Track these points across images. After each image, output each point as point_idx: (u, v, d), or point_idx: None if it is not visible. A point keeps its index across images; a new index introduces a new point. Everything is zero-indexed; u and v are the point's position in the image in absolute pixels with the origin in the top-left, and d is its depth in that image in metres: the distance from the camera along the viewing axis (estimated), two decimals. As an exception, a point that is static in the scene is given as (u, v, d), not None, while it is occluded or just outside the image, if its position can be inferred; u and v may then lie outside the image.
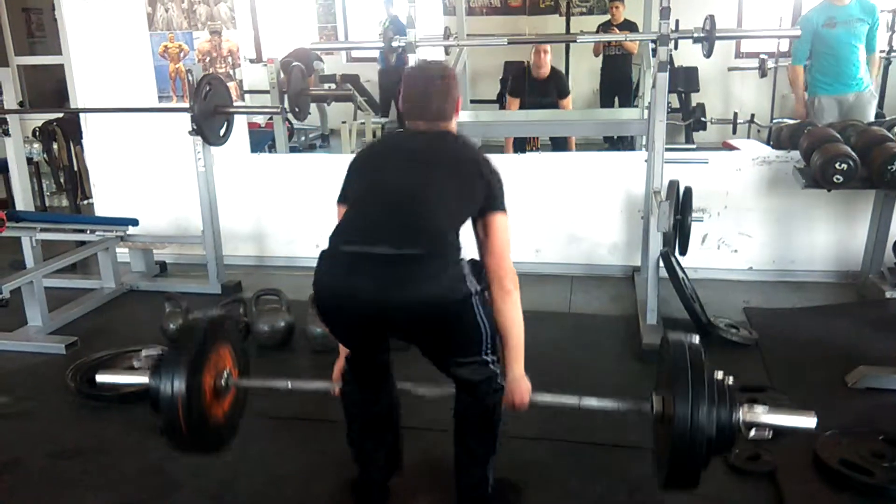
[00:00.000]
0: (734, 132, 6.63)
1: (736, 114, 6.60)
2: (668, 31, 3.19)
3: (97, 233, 4.12)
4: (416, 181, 1.92)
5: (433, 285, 1.79)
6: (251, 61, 7.23)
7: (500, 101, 7.19)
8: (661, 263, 3.31)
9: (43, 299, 3.56)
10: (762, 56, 6.68)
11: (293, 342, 3.37)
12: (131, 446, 2.47)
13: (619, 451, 2.34)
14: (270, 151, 5.77)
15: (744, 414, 1.87)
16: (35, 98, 6.82)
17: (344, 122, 6.89)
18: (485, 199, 1.96)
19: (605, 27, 6.71)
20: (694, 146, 6.70)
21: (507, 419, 2.03)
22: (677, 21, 3.40)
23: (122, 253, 4.36)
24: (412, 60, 3.64)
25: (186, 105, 3.87)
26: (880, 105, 5.49)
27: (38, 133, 5.12)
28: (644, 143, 4.09)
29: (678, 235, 3.34)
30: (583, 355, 3.20)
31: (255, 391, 2.48)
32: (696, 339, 1.98)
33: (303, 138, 7.38)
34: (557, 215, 4.21)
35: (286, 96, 4.94)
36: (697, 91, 7.24)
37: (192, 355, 2.05)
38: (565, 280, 4.18)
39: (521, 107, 5.89)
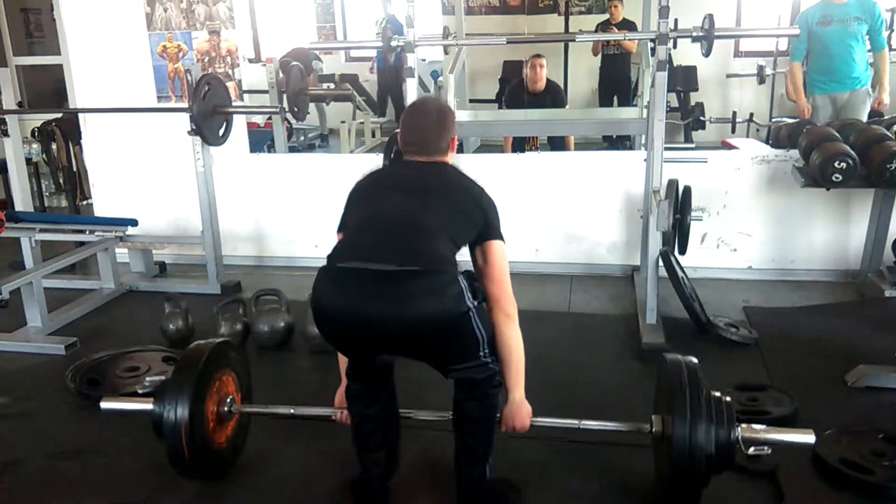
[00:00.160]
0: (733, 131, 6.64)
1: (735, 113, 6.62)
2: (666, 30, 3.19)
3: (96, 233, 4.12)
4: (413, 209, 1.95)
5: (433, 302, 1.81)
6: (250, 61, 7.22)
7: (499, 101, 7.20)
8: (661, 263, 3.31)
9: (42, 300, 3.55)
10: (760, 63, 6.68)
11: (292, 342, 3.37)
12: (130, 447, 2.47)
13: (618, 451, 2.34)
14: (269, 151, 5.77)
15: (742, 432, 1.89)
16: (34, 98, 6.81)
17: (343, 122, 6.89)
18: (482, 227, 2.00)
19: (603, 26, 6.71)
20: (693, 145, 6.71)
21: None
22: (676, 20, 3.41)
23: (122, 253, 4.36)
24: (411, 60, 3.64)
25: (185, 105, 3.87)
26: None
27: (36, 133, 5.11)
28: (643, 142, 4.09)
29: (677, 235, 3.34)
30: (582, 355, 3.20)
31: (256, 386, 2.50)
32: (694, 359, 2.01)
33: (302, 138, 7.38)
34: (557, 215, 4.21)
35: (285, 96, 4.95)
36: (696, 90, 7.25)
37: (194, 382, 2.07)
38: (565, 279, 4.18)
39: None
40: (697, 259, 3.98)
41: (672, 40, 3.24)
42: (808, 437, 1.91)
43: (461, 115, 5.32)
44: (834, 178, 3.29)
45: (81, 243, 4.19)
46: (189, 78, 3.81)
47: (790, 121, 4.89)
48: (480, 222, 2.00)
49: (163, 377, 2.25)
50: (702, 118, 6.84)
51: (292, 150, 6.46)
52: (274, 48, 7.44)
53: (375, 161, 4.15)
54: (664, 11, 3.18)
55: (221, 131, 3.99)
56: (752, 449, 1.87)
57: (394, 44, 3.60)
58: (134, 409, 2.21)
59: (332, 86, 7.54)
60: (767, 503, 2.13)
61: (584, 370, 3.04)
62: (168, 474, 2.17)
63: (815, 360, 3.01)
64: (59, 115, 5.14)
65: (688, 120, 6.86)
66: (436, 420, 2.20)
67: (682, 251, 3.40)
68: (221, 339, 2.31)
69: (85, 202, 5.14)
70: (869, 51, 4.54)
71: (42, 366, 3.23)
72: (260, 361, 3.19)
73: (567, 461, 2.35)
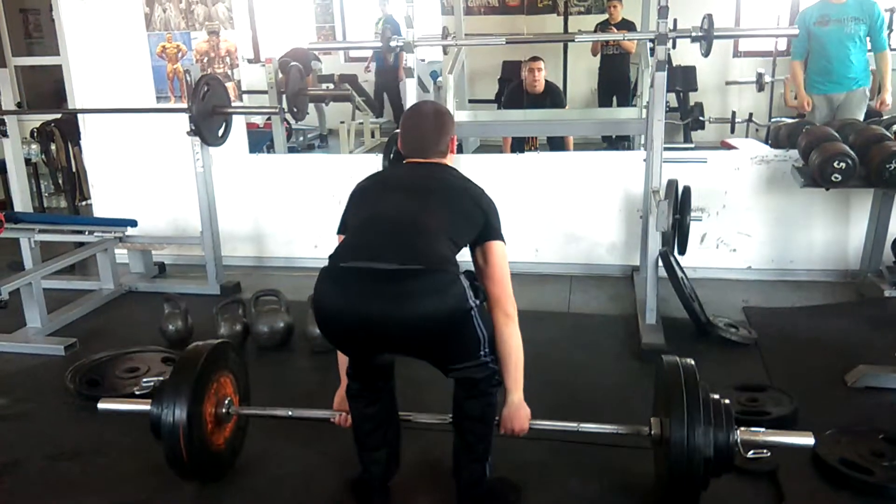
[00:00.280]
0: (732, 131, 6.64)
1: (734, 113, 6.62)
2: (666, 31, 3.19)
3: (96, 234, 4.12)
4: (414, 209, 1.96)
5: (435, 301, 1.81)
6: (249, 61, 7.22)
7: (499, 101, 7.20)
8: (660, 263, 3.31)
9: (42, 301, 3.55)
10: (759, 71, 6.68)
11: (292, 343, 3.37)
12: (130, 447, 2.47)
13: (618, 451, 2.34)
14: (269, 152, 5.77)
15: (741, 435, 1.89)
16: (33, 99, 6.80)
17: (342, 122, 6.89)
18: (482, 228, 2.01)
19: (603, 26, 6.71)
20: (692, 145, 6.71)
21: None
22: (675, 20, 3.41)
23: (121, 254, 4.35)
24: (411, 60, 3.64)
25: (185, 105, 3.87)
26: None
27: (36, 134, 5.11)
28: (642, 142, 4.09)
29: (677, 235, 3.34)
30: (582, 355, 3.20)
31: (255, 387, 2.50)
32: (691, 361, 2.01)
33: (301, 138, 7.38)
34: (556, 215, 4.21)
35: (284, 96, 4.95)
36: (696, 90, 7.25)
37: (192, 384, 2.08)
38: (564, 280, 4.18)
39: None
40: (697, 259, 3.98)
41: (671, 40, 3.24)
42: (808, 440, 1.91)
43: (460, 116, 5.33)
44: (833, 178, 3.29)
45: (81, 244, 4.19)
46: (188, 78, 3.81)
47: (789, 121, 4.89)
48: (480, 223, 2.00)
49: (160, 378, 2.26)
50: (701, 118, 6.84)
51: (291, 150, 6.46)
52: (273, 48, 7.44)
53: (375, 161, 4.16)
54: (663, 11, 3.18)
55: (221, 132, 3.99)
56: (751, 452, 1.87)
57: (393, 44, 3.60)
58: (132, 411, 2.21)
59: (331, 86, 7.54)
60: (767, 503, 2.13)
61: (584, 370, 3.04)
62: (167, 475, 2.17)
63: (815, 360, 3.01)
64: (59, 116, 5.14)
65: (687, 120, 6.86)
66: (436, 423, 2.20)
67: (682, 251, 3.41)
68: (220, 341, 2.31)
69: (84, 203, 5.14)
70: (870, 51, 4.51)
71: (41, 366, 3.23)
72: (259, 362, 3.19)
73: (567, 461, 2.35)
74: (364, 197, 2.09)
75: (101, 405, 2.25)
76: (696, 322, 3.30)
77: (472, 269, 2.03)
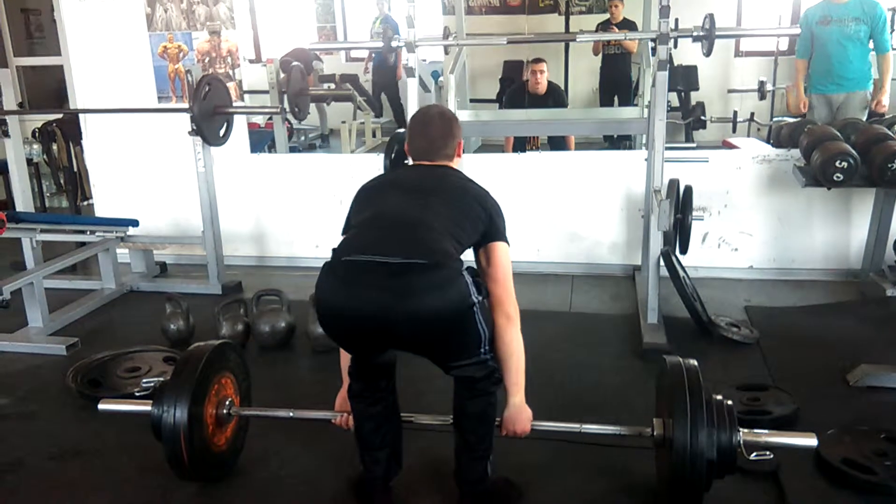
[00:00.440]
0: (734, 131, 6.63)
1: (736, 112, 6.61)
2: (667, 30, 3.19)
3: (97, 234, 4.12)
4: (418, 209, 1.96)
5: (438, 295, 1.80)
6: (250, 61, 7.23)
7: (500, 101, 7.19)
8: (662, 262, 3.31)
9: (43, 300, 3.55)
10: (761, 79, 6.67)
11: (294, 342, 3.37)
12: (132, 447, 2.47)
13: (618, 451, 2.34)
14: (270, 151, 5.77)
15: (744, 436, 1.88)
16: (34, 99, 6.81)
17: (343, 122, 6.89)
18: (486, 229, 2.01)
19: (604, 26, 6.71)
20: (694, 145, 6.70)
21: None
22: (676, 20, 3.41)
23: (123, 254, 4.36)
24: (412, 60, 3.63)
25: (186, 105, 3.87)
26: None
27: (37, 134, 5.12)
28: (644, 141, 4.09)
29: (679, 234, 3.34)
30: (583, 354, 3.20)
31: (257, 386, 2.50)
32: (694, 361, 2.00)
33: (302, 138, 7.38)
34: (558, 214, 4.21)
35: (286, 96, 4.94)
36: (697, 90, 7.24)
37: (193, 385, 2.08)
38: (566, 279, 4.18)
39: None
40: (698, 259, 3.98)
41: (672, 40, 3.23)
42: (811, 441, 1.91)
43: (462, 115, 5.31)
44: (835, 178, 3.28)
45: (82, 244, 4.20)
46: (189, 78, 3.81)
47: (791, 120, 4.87)
48: (484, 224, 2.00)
49: (160, 378, 2.26)
50: (703, 118, 6.83)
51: (293, 150, 6.47)
52: (274, 48, 7.44)
53: (376, 161, 4.15)
54: (665, 11, 3.18)
55: (222, 132, 3.99)
56: (753, 455, 1.87)
57: (394, 44, 3.60)
58: (132, 411, 2.21)
59: (332, 86, 7.54)
60: (769, 503, 2.12)
61: (585, 370, 3.04)
62: (169, 474, 2.17)
63: (817, 359, 3.00)
64: (60, 116, 5.15)
65: (689, 119, 6.85)
66: (437, 424, 2.20)
67: (684, 251, 3.40)
68: (220, 342, 2.31)
69: (86, 202, 5.14)
70: (873, 51, 4.47)
71: (43, 366, 3.23)
72: (261, 362, 3.19)
73: (568, 461, 2.34)
74: (368, 197, 2.10)
75: (101, 406, 2.25)
76: (698, 321, 3.30)
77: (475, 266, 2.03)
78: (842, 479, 2.15)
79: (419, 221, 1.92)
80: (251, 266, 4.62)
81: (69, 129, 5.02)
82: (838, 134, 3.51)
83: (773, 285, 3.97)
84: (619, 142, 6.67)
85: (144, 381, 2.29)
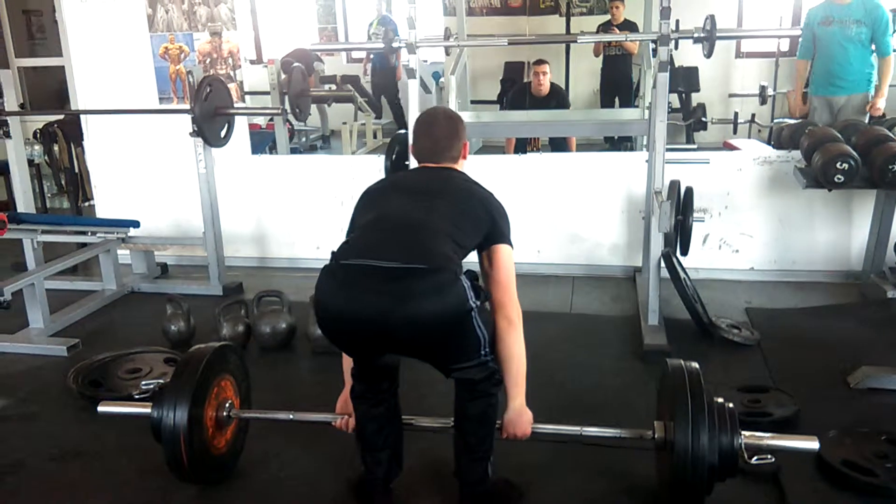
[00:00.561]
0: (735, 132, 6.62)
1: (736, 114, 6.60)
2: (668, 31, 3.19)
3: (98, 235, 4.12)
4: (419, 211, 1.96)
5: (436, 300, 1.80)
6: (252, 62, 7.23)
7: (501, 102, 7.19)
8: (663, 264, 3.31)
9: (44, 301, 3.56)
10: (763, 84, 6.67)
11: (294, 344, 3.37)
12: (132, 448, 2.47)
13: (619, 452, 2.34)
14: (271, 153, 5.77)
15: (745, 439, 1.88)
16: (36, 100, 6.82)
17: (344, 123, 6.89)
18: (489, 232, 2.01)
19: (605, 27, 6.70)
20: (695, 146, 6.68)
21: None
22: (677, 21, 3.40)
23: (124, 255, 4.36)
24: (413, 61, 3.63)
25: (187, 106, 3.88)
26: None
27: (38, 135, 5.12)
28: (645, 143, 4.09)
29: (679, 236, 3.34)
30: (584, 356, 3.20)
31: (257, 388, 2.50)
32: (695, 364, 2.00)
33: (303, 139, 7.38)
34: (559, 216, 4.21)
35: (287, 97, 4.95)
36: (698, 91, 7.24)
37: (193, 387, 2.08)
38: (566, 280, 4.18)
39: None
40: (699, 260, 3.97)
41: (673, 41, 3.23)
42: (812, 444, 1.90)
43: (463, 117, 5.32)
44: (836, 179, 3.28)
45: (83, 245, 4.20)
46: (191, 79, 3.81)
47: (792, 122, 4.86)
48: (487, 227, 2.00)
49: (160, 380, 2.26)
50: (703, 119, 6.82)
51: (294, 151, 6.47)
52: (275, 49, 7.44)
53: (377, 162, 4.16)
54: (665, 12, 3.17)
55: (223, 133, 4.00)
56: (754, 459, 1.86)
57: (396, 45, 3.60)
58: (132, 414, 2.21)
59: (333, 87, 7.54)
60: (770, 505, 2.13)
61: (586, 371, 3.04)
62: (169, 476, 2.17)
63: (818, 361, 3.00)
64: (61, 117, 5.15)
65: (689, 121, 6.84)
66: (438, 427, 2.20)
67: (684, 252, 3.40)
68: (220, 344, 2.31)
69: (87, 203, 5.14)
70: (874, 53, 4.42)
71: (44, 367, 3.23)
72: (262, 363, 3.20)
73: (569, 462, 2.35)
74: (372, 199, 2.10)
75: (100, 408, 2.25)
76: (699, 323, 3.30)
77: (476, 269, 2.03)
78: (842, 480, 2.15)
79: (420, 225, 1.92)
80: (252, 267, 4.62)
81: (70, 130, 5.02)
82: (839, 135, 3.51)
83: (774, 287, 3.97)
84: (619, 143, 6.67)
85: (144, 382, 2.30)
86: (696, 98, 7.19)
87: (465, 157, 2.18)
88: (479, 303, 1.89)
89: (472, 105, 7.02)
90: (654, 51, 3.33)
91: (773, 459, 1.90)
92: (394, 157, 3.97)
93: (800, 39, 4.71)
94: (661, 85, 3.26)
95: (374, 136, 7.40)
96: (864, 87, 4.45)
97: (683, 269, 3.45)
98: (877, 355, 2.95)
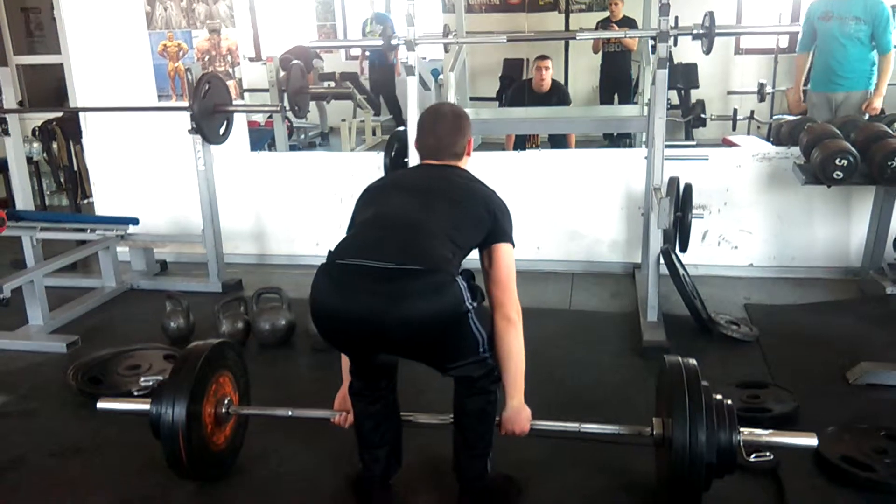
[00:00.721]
0: (734, 128, 6.63)
1: (736, 110, 6.60)
2: (667, 28, 3.19)
3: (97, 232, 4.12)
4: (418, 210, 1.95)
5: (432, 302, 1.80)
6: (250, 59, 7.22)
7: (500, 99, 7.19)
8: (662, 260, 3.31)
9: (44, 298, 3.56)
10: (761, 81, 6.66)
11: (294, 340, 3.37)
12: (132, 444, 2.47)
13: (617, 448, 2.34)
14: (270, 150, 5.77)
15: (745, 437, 1.88)
16: (34, 97, 6.81)
17: (343, 120, 6.89)
18: (490, 230, 1.99)
19: (604, 24, 6.70)
20: (694, 143, 6.70)
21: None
22: (676, 17, 3.40)
23: (123, 252, 4.36)
24: (412, 59, 3.63)
25: (186, 104, 3.87)
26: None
27: (37, 132, 5.11)
28: (644, 139, 4.08)
29: (678, 232, 3.34)
30: (583, 352, 3.20)
31: (256, 385, 2.50)
32: (694, 361, 2.00)
33: (302, 136, 7.39)
34: (558, 212, 4.21)
35: (285, 94, 4.94)
36: (697, 87, 7.24)
37: (192, 384, 2.08)
38: (566, 277, 4.18)
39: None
40: (698, 256, 3.98)
41: (672, 38, 3.23)
42: (811, 441, 1.91)
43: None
44: (835, 176, 3.29)
45: (82, 242, 4.20)
46: (189, 77, 3.81)
47: (791, 118, 4.85)
48: (488, 226, 1.99)
49: (159, 377, 2.26)
50: (703, 115, 6.83)
51: (293, 148, 6.46)
52: (274, 46, 7.44)
53: (376, 159, 4.17)
54: (665, 9, 3.17)
55: (222, 130, 4.00)
56: (753, 456, 1.86)
57: (394, 42, 3.59)
58: (131, 410, 2.22)
59: (332, 84, 7.53)
60: (769, 501, 2.13)
61: (585, 368, 3.04)
62: (169, 472, 2.17)
63: (816, 357, 3.01)
64: (60, 114, 5.15)
65: (689, 117, 6.85)
66: (436, 423, 2.20)
67: (683, 249, 3.41)
68: (219, 341, 2.31)
69: (86, 201, 5.14)
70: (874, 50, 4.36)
71: (44, 364, 3.24)
72: (261, 359, 3.20)
73: (567, 458, 2.35)
74: (372, 197, 2.09)
75: (100, 405, 2.25)
76: (698, 319, 3.30)
77: (472, 268, 2.02)
78: (841, 476, 2.16)
79: (418, 225, 1.91)
80: (251, 264, 4.62)
81: (69, 128, 5.02)
82: (838, 132, 3.51)
83: (773, 283, 3.97)
84: (619, 140, 6.67)
85: (143, 379, 2.30)
86: (695, 95, 7.19)
87: (469, 154, 2.16)
88: (475, 304, 1.89)
89: (471, 102, 7.01)
90: (654, 47, 3.32)
91: (772, 457, 1.89)
92: (393, 154, 3.96)
93: (798, 34, 4.68)
94: (660, 81, 3.26)
95: (373, 133, 7.39)
96: (863, 84, 4.39)
97: (682, 265, 3.45)
98: (875, 351, 2.95)
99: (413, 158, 3.31)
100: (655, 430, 2.05)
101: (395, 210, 1.98)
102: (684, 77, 7.06)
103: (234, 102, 4.24)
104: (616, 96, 7.05)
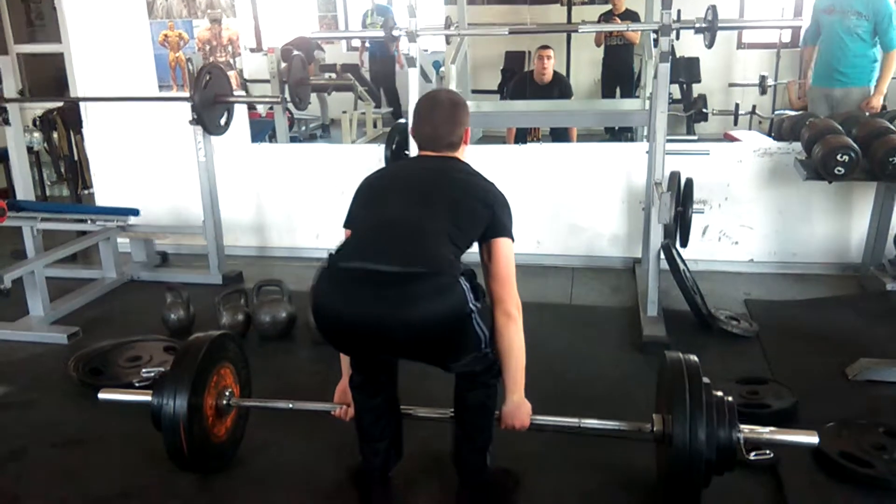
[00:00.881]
0: (735, 123, 6.62)
1: (737, 105, 6.59)
2: (669, 21, 3.17)
3: (98, 223, 4.12)
4: (417, 211, 1.94)
5: (435, 305, 1.80)
6: (251, 50, 7.20)
7: (502, 92, 7.17)
8: (662, 255, 3.31)
9: (44, 289, 3.56)
10: (763, 74, 6.64)
11: (294, 333, 3.38)
12: (133, 435, 2.47)
13: (615, 443, 2.34)
14: (271, 141, 5.75)
15: (744, 434, 1.88)
16: (35, 87, 6.79)
17: (344, 112, 6.87)
18: (488, 225, 1.97)
19: (606, 17, 6.67)
20: (695, 137, 6.68)
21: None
22: (679, 11, 3.39)
23: (123, 243, 4.36)
24: (414, 50, 3.62)
25: (187, 94, 3.86)
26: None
27: (38, 122, 5.11)
28: (645, 133, 4.08)
29: (679, 227, 3.34)
30: (583, 347, 3.21)
31: (257, 377, 2.51)
32: (694, 357, 2.00)
33: (303, 128, 7.36)
34: (558, 206, 4.21)
35: (286, 86, 4.93)
36: (699, 82, 7.22)
37: (193, 376, 2.09)
38: (566, 271, 4.18)
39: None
40: (699, 252, 3.97)
41: (675, 31, 3.22)
42: (812, 438, 1.90)
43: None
44: (836, 171, 3.28)
45: (83, 233, 4.20)
46: (190, 67, 3.80)
47: (793, 113, 4.84)
48: (486, 221, 1.97)
49: (160, 368, 2.26)
50: (704, 110, 6.82)
51: (294, 139, 6.45)
52: (275, 37, 7.42)
53: (377, 151, 4.16)
54: (667, 2, 3.16)
55: (223, 121, 3.99)
56: (752, 454, 1.87)
57: (396, 33, 3.58)
58: (132, 402, 2.22)
59: (333, 76, 7.52)
60: (768, 496, 2.14)
61: (585, 362, 3.05)
62: (170, 463, 2.18)
63: (816, 353, 3.01)
64: (61, 104, 5.13)
65: (690, 112, 6.83)
66: (437, 416, 2.21)
67: (684, 244, 3.40)
68: (219, 332, 2.31)
69: (86, 191, 5.14)
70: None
71: (45, 355, 3.24)
72: (261, 352, 3.20)
73: (567, 452, 2.35)
74: (370, 194, 2.07)
75: (101, 395, 2.26)
76: (698, 314, 3.30)
77: (474, 266, 2.02)
78: (840, 472, 2.16)
79: (419, 226, 1.90)
80: (252, 256, 4.62)
81: (70, 118, 5.01)
82: (840, 127, 3.50)
83: (773, 279, 3.97)
84: (620, 133, 6.66)
85: (144, 370, 2.30)
86: (697, 89, 7.17)
87: (466, 143, 2.13)
88: (479, 304, 1.89)
89: (472, 94, 6.99)
90: (656, 41, 3.32)
91: (772, 455, 1.90)
92: (394, 146, 3.96)
93: (801, 28, 4.64)
94: (662, 75, 3.25)
95: (374, 126, 7.37)
96: (864, 81, 4.34)
97: (683, 260, 3.45)
98: (875, 347, 2.96)
99: (414, 151, 3.31)
100: (655, 426, 2.05)
101: (395, 210, 1.97)
102: (686, 71, 7.04)
103: (235, 93, 4.23)
104: (618, 90, 7.03)
